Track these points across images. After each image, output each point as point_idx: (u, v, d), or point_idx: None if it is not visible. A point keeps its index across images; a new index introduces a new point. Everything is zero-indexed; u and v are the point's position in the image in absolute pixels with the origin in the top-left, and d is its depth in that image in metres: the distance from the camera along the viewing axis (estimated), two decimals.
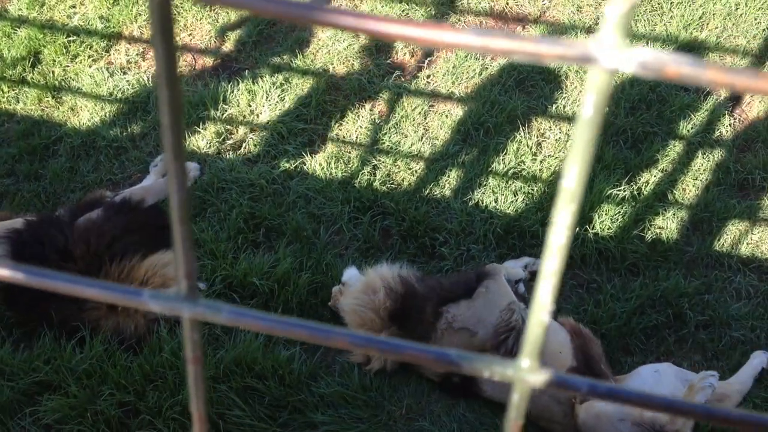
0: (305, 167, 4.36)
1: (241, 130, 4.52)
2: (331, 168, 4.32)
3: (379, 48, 4.95)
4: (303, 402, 3.35)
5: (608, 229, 4.03)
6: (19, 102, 4.65)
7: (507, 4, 5.20)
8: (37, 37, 4.93)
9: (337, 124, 4.57)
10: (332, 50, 4.93)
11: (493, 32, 0.52)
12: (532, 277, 3.80)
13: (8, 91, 4.69)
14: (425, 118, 4.60)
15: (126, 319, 3.53)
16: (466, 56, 4.86)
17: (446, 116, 4.60)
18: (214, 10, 5.17)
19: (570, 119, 4.56)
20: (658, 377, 3.33)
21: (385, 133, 4.51)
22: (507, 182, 4.24)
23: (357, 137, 4.51)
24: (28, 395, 3.21)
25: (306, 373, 3.45)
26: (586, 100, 0.53)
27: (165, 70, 0.53)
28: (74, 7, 5.12)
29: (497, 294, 3.49)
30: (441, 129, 4.53)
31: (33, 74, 4.78)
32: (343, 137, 4.52)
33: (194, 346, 0.65)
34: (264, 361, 3.41)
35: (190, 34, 5.07)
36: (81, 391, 3.18)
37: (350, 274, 3.71)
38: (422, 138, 4.49)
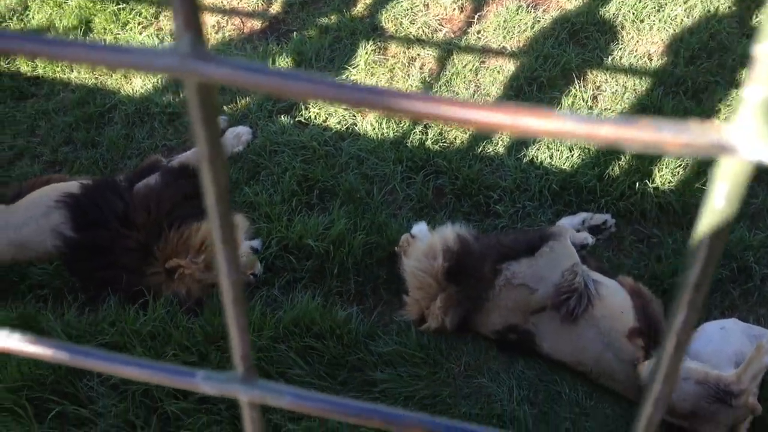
0: (356, 128, 4.34)
1: None
2: (383, 128, 4.29)
3: (427, 4, 4.87)
4: (362, 361, 3.37)
5: (669, 182, 3.93)
6: (73, 71, 4.71)
7: None
8: (88, 6, 4.97)
9: (387, 83, 4.53)
10: (380, 8, 4.87)
11: (598, 119, 0.44)
12: (590, 231, 3.73)
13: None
14: (476, 75, 4.53)
15: (180, 284, 3.57)
16: (517, 10, 4.76)
17: (498, 72, 4.51)
18: None
19: (627, 71, 4.44)
20: (724, 334, 3.25)
21: (436, 91, 4.46)
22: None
23: None
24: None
25: (364, 333, 3.46)
26: (718, 189, 0.45)
27: (209, 154, 0.49)
28: None
29: (561, 255, 3.44)
30: (493, 85, 4.46)
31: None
32: None
33: (255, 424, 0.62)
34: (322, 322, 3.43)
35: None
36: (146, 352, 3.25)
37: (420, 228, 3.68)
38: (474, 95, 4.42)
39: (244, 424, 0.60)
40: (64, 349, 0.58)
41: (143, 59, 0.44)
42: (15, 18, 4.97)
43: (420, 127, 4.27)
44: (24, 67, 4.73)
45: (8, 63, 4.75)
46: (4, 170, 4.26)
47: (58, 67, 4.72)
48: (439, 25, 4.78)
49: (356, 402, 0.58)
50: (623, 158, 4.02)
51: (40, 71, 4.71)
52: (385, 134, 4.26)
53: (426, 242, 3.54)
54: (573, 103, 4.28)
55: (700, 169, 3.98)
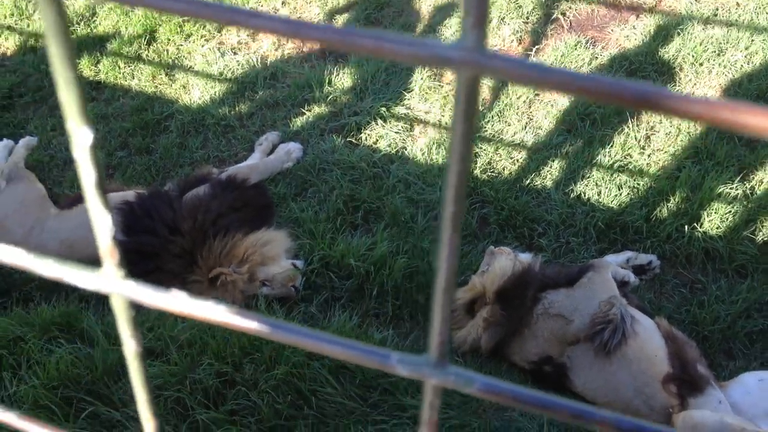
0: (406, 152, 4.36)
1: (345, 112, 4.56)
2: (432, 154, 4.30)
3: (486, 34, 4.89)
4: (393, 384, 3.36)
5: (717, 228, 3.86)
6: (134, 78, 4.84)
7: None
8: (154, 16, 5.10)
9: (439, 110, 4.55)
10: (439, 35, 4.91)
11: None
12: (634, 271, 3.69)
13: (124, 68, 4.88)
14: (529, 107, 4.52)
15: (224, 293, 3.63)
16: (575, 45, 4.75)
17: (551, 106, 4.50)
18: None
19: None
20: (763, 386, 3.18)
21: (488, 121, 4.46)
22: (611, 175, 4.12)
23: None
24: None
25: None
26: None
27: (461, 149, 0.52)
28: None
29: (600, 286, 3.41)
30: (545, 119, 4.45)
31: (148, 52, 4.96)
32: (445, 123, 4.49)
33: (433, 411, 0.64)
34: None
35: (299, 17, 5.14)
36: (182, 359, 3.29)
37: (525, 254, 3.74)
38: (525, 127, 4.42)
39: (423, 409, 0.62)
40: (267, 324, 0.61)
41: (424, 50, 0.48)
42: (83, 23, 5.13)
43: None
44: (87, 71, 4.88)
45: None
46: (60, 170, 4.39)
47: (119, 73, 4.85)
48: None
49: (545, 394, 0.60)
50: (672, 200, 3.97)
51: (102, 76, 4.85)
52: (434, 160, 4.27)
53: (504, 259, 3.57)
54: (625, 141, 4.25)
55: (750, 217, 3.91)
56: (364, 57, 4.83)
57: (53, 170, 4.37)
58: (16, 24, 5.15)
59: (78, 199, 3.99)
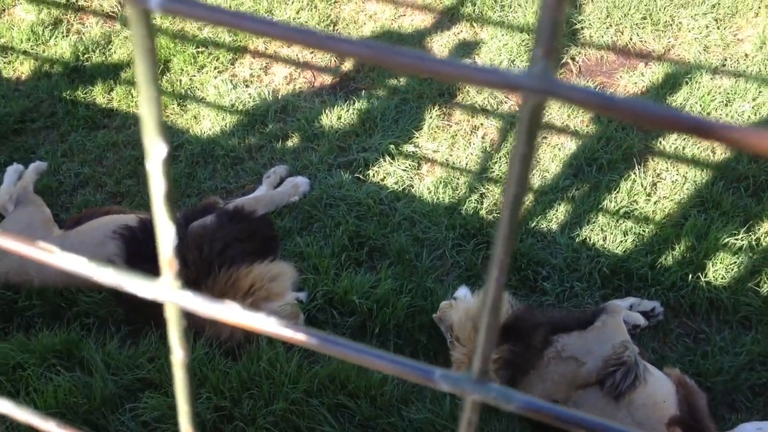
0: (413, 190, 4.38)
1: (354, 148, 4.59)
2: (439, 193, 4.32)
3: None
4: (392, 425, 3.35)
5: (722, 278, 3.86)
6: None
7: (630, 39, 5.09)
8: (169, 46, 5.17)
9: (447, 150, 4.58)
10: None
11: None
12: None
13: (137, 96, 4.92)
14: (537, 150, 4.55)
15: (224, 326, 3.62)
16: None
17: (559, 149, 4.53)
18: (336, 29, 5.29)
19: (689, 161, 4.41)
20: None
21: (495, 162, 4.48)
22: (617, 221, 4.13)
23: (467, 164, 4.50)
24: (130, 391, 3.34)
25: (398, 396, 3.44)
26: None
27: (520, 171, 0.55)
28: None
29: (613, 330, 3.41)
30: (552, 162, 4.47)
31: (161, 81, 5.01)
32: (453, 163, 4.52)
33: (470, 427, 0.66)
34: (357, 380, 3.42)
35: (312, 52, 5.20)
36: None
37: (464, 291, 3.75)
38: (532, 170, 4.43)
39: (460, 424, 0.64)
40: (315, 336, 0.63)
41: (497, 77, 0.53)
42: (98, 51, 5.19)
43: (476, 195, 4.29)
44: (100, 98, 4.92)
45: (85, 93, 4.95)
46: (68, 196, 4.41)
47: (132, 101, 4.89)
48: (506, 97, 4.84)
49: (581, 414, 0.61)
50: (677, 248, 3.97)
51: (115, 104, 4.90)
52: (441, 199, 4.29)
53: (474, 301, 3.57)
54: (631, 188, 4.26)
55: (755, 268, 3.90)
56: (374, 95, 4.88)
57: (61, 196, 4.40)
58: (32, 49, 5.21)
59: (79, 220, 3.99)
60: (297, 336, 0.63)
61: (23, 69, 5.13)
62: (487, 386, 0.61)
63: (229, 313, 0.62)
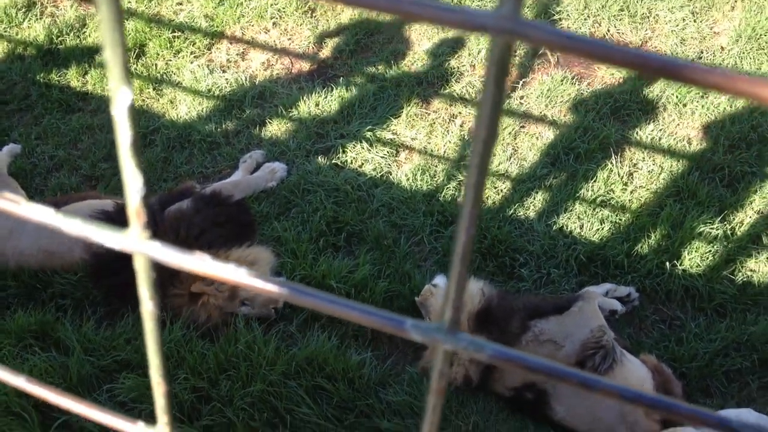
0: (391, 177, 4.38)
1: (332, 135, 4.57)
2: (417, 180, 4.32)
3: (474, 65, 4.95)
4: (370, 407, 3.34)
5: (697, 266, 3.90)
6: None
7: (608, 31, 5.13)
8: (144, 30, 5.11)
9: (425, 137, 4.58)
10: (427, 64, 4.95)
11: None
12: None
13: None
14: (515, 139, 4.57)
15: (201, 308, 3.59)
16: (561, 80, 4.81)
17: (537, 138, 4.55)
18: (314, 16, 5.27)
19: (665, 152, 4.45)
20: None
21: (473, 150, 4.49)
22: (594, 209, 4.16)
23: (445, 152, 4.51)
24: (107, 372, 3.30)
25: (375, 379, 3.44)
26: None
27: (490, 113, 0.54)
28: (181, 4, 5.30)
29: (590, 316, 3.45)
30: (530, 150, 4.49)
31: (137, 65, 4.96)
32: (431, 150, 4.52)
33: (442, 377, 0.65)
34: (335, 363, 3.41)
35: (290, 39, 5.17)
36: None
37: (443, 279, 3.75)
38: (510, 158, 4.46)
39: (432, 376, 0.64)
40: (287, 287, 0.62)
41: (463, 16, 0.51)
42: (72, 34, 5.12)
43: (454, 183, 4.30)
44: (74, 81, 4.85)
45: (59, 76, 4.87)
46: (42, 179, 4.34)
47: (107, 85, 4.83)
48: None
49: (554, 363, 0.61)
50: (653, 237, 4.01)
51: (89, 87, 4.83)
52: (419, 186, 4.29)
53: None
54: (608, 177, 4.30)
55: (730, 257, 3.95)
56: (352, 82, 4.86)
57: (36, 178, 4.33)
58: (5, 31, 5.12)
59: (56, 203, 3.94)
60: (268, 286, 0.62)
61: None
62: (458, 336, 0.61)
63: (199, 263, 0.61)
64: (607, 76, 4.89)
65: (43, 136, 4.55)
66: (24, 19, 5.19)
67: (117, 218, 3.79)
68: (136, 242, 0.60)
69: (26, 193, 4.08)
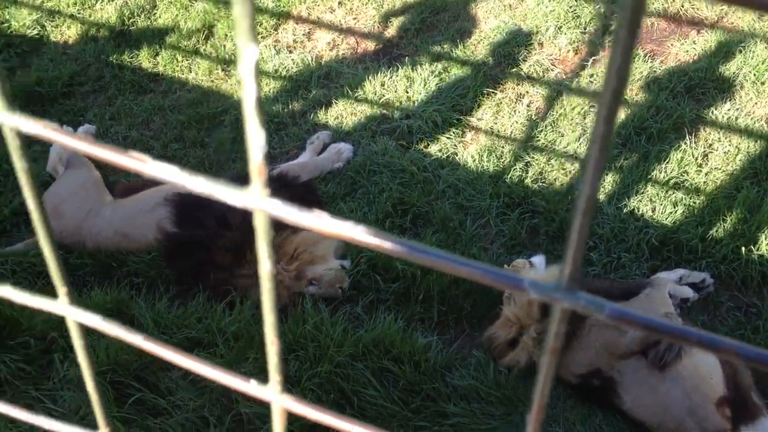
0: (457, 158, 4.34)
1: (397, 115, 4.56)
2: (483, 161, 4.28)
3: (542, 43, 4.86)
4: (436, 391, 3.35)
5: None
6: (191, 72, 4.89)
7: (682, 6, 4.96)
8: (212, 12, 5.16)
9: (492, 118, 4.53)
10: (494, 42, 4.88)
11: None
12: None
13: (182, 61, 4.94)
14: (584, 119, 4.47)
15: None
16: (634, 58, 4.68)
17: None
18: None
19: (741, 132, 4.30)
20: None
21: (541, 131, 4.42)
22: (667, 192, 4.05)
23: (511, 132, 4.45)
24: (181, 348, 3.37)
25: (441, 363, 3.44)
26: None
27: (619, 67, 0.52)
28: None
29: (658, 302, 3.37)
30: None
31: (206, 46, 5.02)
32: (498, 131, 4.47)
33: (558, 337, 0.65)
34: (401, 346, 3.43)
35: (355, 18, 5.16)
36: (228, 352, 3.31)
37: (540, 260, 3.73)
38: (579, 138, 4.37)
39: (548, 337, 0.64)
40: (402, 245, 0.63)
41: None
42: (143, 15, 5.20)
43: (521, 164, 4.24)
44: (145, 63, 4.94)
45: (131, 57, 4.97)
46: None
47: (177, 66, 4.90)
48: (552, 65, 4.76)
49: (663, 321, 0.61)
50: (729, 220, 3.89)
51: (160, 68, 4.91)
52: (485, 167, 4.25)
53: (542, 273, 3.55)
54: (682, 158, 4.18)
55: None
56: (417, 61, 4.82)
57: None
58: (79, 13, 5.24)
59: (133, 188, 4.05)
60: (384, 244, 0.62)
61: (70, 33, 5.16)
62: (577, 295, 0.61)
63: (318, 221, 0.62)
64: (681, 53, 4.74)
65: (117, 117, 4.66)
66: (96, 1, 5.29)
67: (189, 200, 3.86)
68: (257, 199, 0.62)
69: (100, 172, 4.18)
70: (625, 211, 4.02)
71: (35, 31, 5.15)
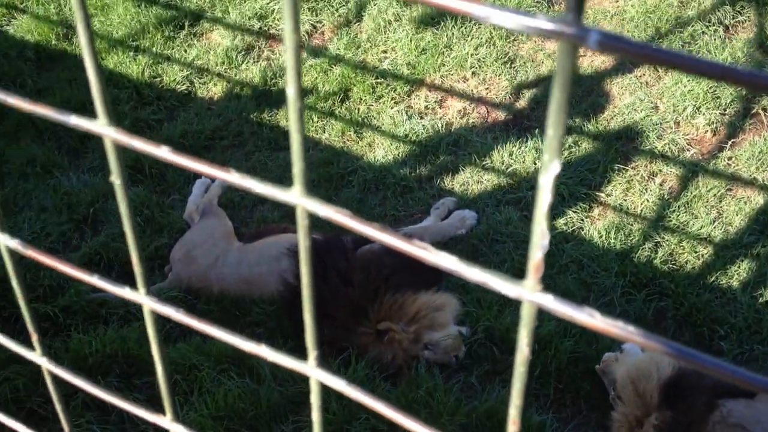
0: (582, 232, 4.27)
1: (524, 185, 4.54)
2: (610, 237, 4.19)
3: (678, 122, 4.75)
4: None
5: None
6: (325, 132, 5.07)
7: None
8: (350, 76, 5.35)
9: (622, 194, 4.44)
10: (627, 119, 4.82)
11: None
12: None
13: (317, 122, 5.13)
14: (720, 201, 4.32)
15: (387, 348, 3.66)
16: None
17: (745, 203, 4.28)
18: (513, 67, 5.29)
19: None
20: None
21: (673, 211, 4.30)
22: None
23: (642, 210, 4.34)
24: (294, 403, 3.44)
25: None
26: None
27: (560, 111, 0.58)
28: (386, 52, 5.51)
29: None
30: (737, 215, 4.22)
31: (341, 109, 5.20)
32: (627, 208, 4.37)
33: None
34: None
35: (487, 88, 5.22)
36: (340, 410, 3.34)
37: (633, 346, 3.59)
38: (714, 222, 4.21)
39: None
40: (671, 346, 0.68)
41: (532, 22, 0.57)
42: (284, 77, 5.46)
43: (650, 244, 4.12)
44: (283, 121, 5.17)
45: (270, 116, 5.21)
46: (248, 211, 4.64)
47: (312, 126, 5.10)
48: (688, 144, 4.64)
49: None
50: None
51: None
52: (612, 244, 4.15)
53: (641, 357, 3.41)
54: None
55: None
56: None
57: (242, 211, 4.63)
58: (225, 72, 5.56)
59: (258, 235, 4.20)
60: (654, 344, 0.67)
61: (216, 90, 5.48)
62: None
63: (589, 318, 0.66)
64: None
65: (252, 172, 4.87)
66: (242, 62, 5.61)
67: (312, 255, 3.96)
68: (529, 293, 0.68)
69: (232, 223, 4.37)
70: (760, 300, 3.82)
71: (184, 87, 5.50)
